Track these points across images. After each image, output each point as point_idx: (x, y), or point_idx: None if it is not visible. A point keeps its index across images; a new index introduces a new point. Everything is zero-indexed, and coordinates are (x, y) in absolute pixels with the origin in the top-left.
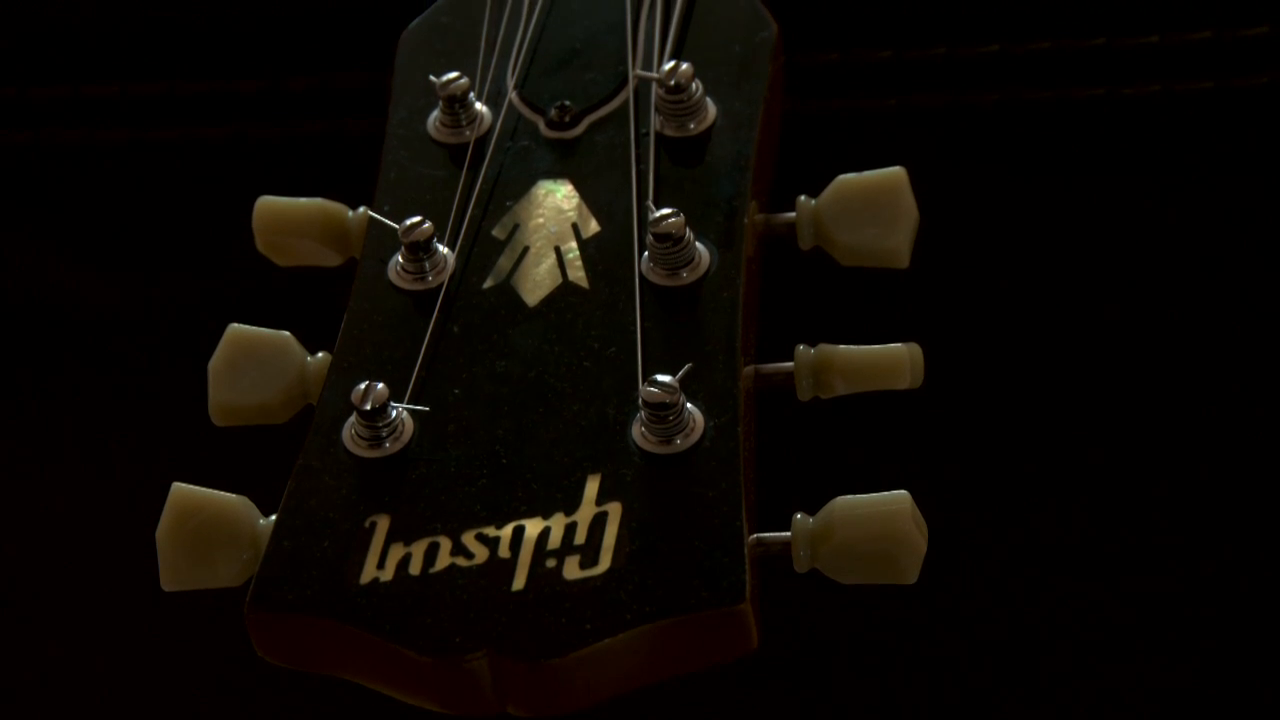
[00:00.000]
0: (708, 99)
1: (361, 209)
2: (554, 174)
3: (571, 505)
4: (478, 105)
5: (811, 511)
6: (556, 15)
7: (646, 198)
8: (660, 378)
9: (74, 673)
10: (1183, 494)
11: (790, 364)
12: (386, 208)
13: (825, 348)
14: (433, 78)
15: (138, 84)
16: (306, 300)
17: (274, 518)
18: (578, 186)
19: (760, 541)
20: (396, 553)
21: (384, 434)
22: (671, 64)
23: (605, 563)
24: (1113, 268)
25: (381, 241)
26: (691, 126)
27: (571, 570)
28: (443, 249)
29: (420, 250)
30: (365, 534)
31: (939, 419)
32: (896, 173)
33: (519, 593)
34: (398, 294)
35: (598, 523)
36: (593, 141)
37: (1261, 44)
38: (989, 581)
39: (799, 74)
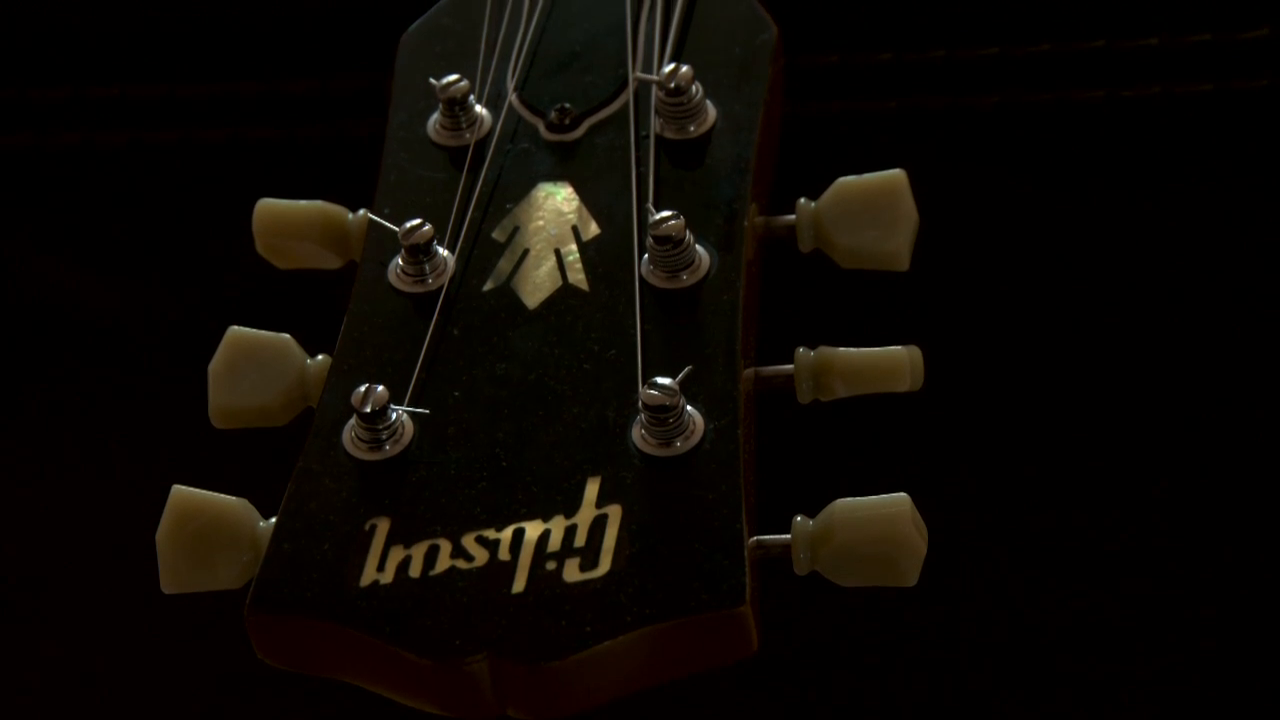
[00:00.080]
0: (708, 101)
1: (361, 211)
2: (554, 176)
3: (571, 508)
4: (478, 108)
5: (811, 514)
6: (557, 18)
7: (646, 200)
8: (660, 380)
9: (74, 673)
10: (1182, 495)
11: (790, 366)
12: (386, 210)
13: (825, 350)
14: (433, 80)
15: (138, 86)
16: (306, 303)
17: (274, 520)
18: (578, 189)
19: (760, 544)
20: (396, 555)
21: (384, 436)
22: (671, 66)
23: (605, 565)
24: (1113, 270)
25: (381, 244)
26: (691, 129)
27: (571, 573)
28: (443, 251)
29: (420, 253)
30: (365, 536)
31: (939, 422)
32: (896, 175)
33: (519, 595)
34: (398, 296)
35: (598, 525)
36: (593, 144)
37: (1261, 46)
38: (989, 584)
39: (799, 76)
